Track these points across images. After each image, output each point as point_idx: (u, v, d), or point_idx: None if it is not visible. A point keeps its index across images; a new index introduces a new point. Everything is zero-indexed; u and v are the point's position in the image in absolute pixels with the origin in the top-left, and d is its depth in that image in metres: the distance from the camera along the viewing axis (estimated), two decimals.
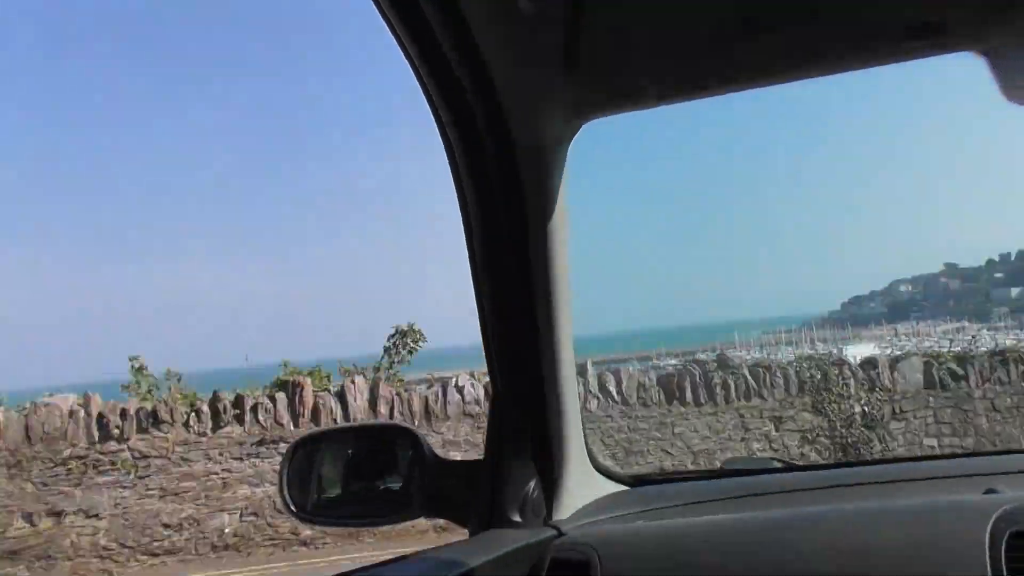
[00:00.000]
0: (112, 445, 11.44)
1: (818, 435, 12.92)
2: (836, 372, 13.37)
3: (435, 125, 1.35)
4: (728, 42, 1.21)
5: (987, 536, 1.17)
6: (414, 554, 1.31)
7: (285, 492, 1.53)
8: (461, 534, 1.49)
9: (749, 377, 13.61)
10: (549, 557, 1.37)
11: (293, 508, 1.54)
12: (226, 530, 11.58)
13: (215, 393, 12.09)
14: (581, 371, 12.95)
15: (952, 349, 14.94)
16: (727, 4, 1.14)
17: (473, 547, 1.34)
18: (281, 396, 12.05)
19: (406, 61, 1.27)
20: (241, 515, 11.68)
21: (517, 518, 1.44)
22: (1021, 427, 12.97)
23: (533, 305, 1.44)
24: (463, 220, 1.41)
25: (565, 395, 1.51)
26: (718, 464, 1.90)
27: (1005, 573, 1.14)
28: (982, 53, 1.27)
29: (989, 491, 1.38)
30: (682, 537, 1.39)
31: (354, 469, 1.61)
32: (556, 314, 1.48)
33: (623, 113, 1.40)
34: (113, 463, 11.36)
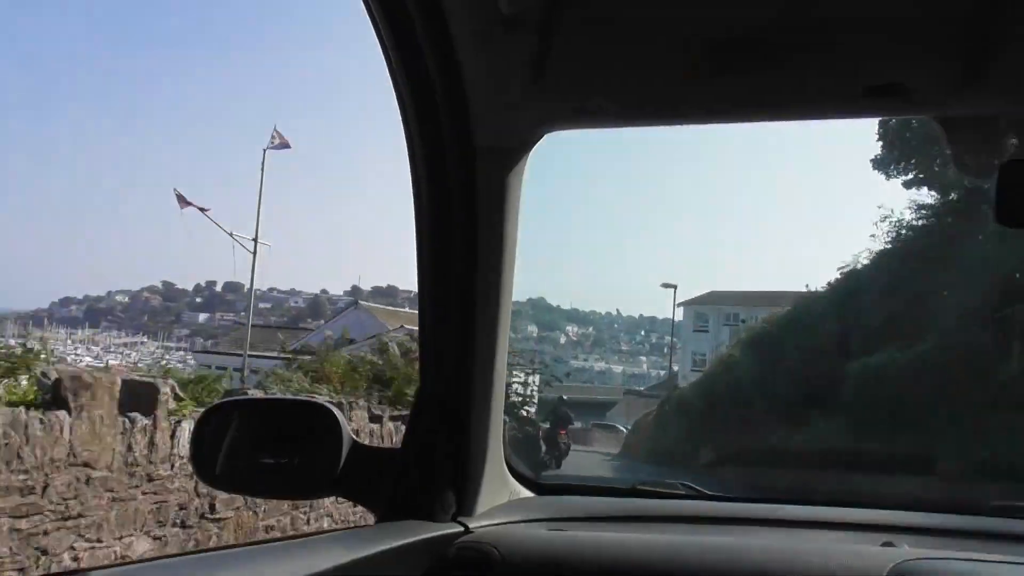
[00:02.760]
0: None
1: None
2: None
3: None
4: (694, 78, 1.23)
5: None
6: (316, 533, 1.29)
7: (195, 456, 1.51)
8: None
9: None
10: (452, 553, 1.37)
11: (201, 472, 1.52)
12: None
13: None
14: None
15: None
16: (698, 43, 1.16)
17: (378, 533, 1.34)
18: None
19: (380, 50, 1.27)
20: None
21: (426, 510, 1.44)
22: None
23: (474, 306, 1.44)
24: (415, 216, 1.41)
25: (492, 399, 1.52)
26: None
27: None
28: (939, 121, 1.31)
29: (887, 544, 1.42)
30: (585, 550, 1.40)
31: (269, 441, 1.58)
32: (496, 318, 1.48)
33: (584, 129, 1.41)
34: None
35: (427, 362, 1.48)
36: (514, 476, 1.69)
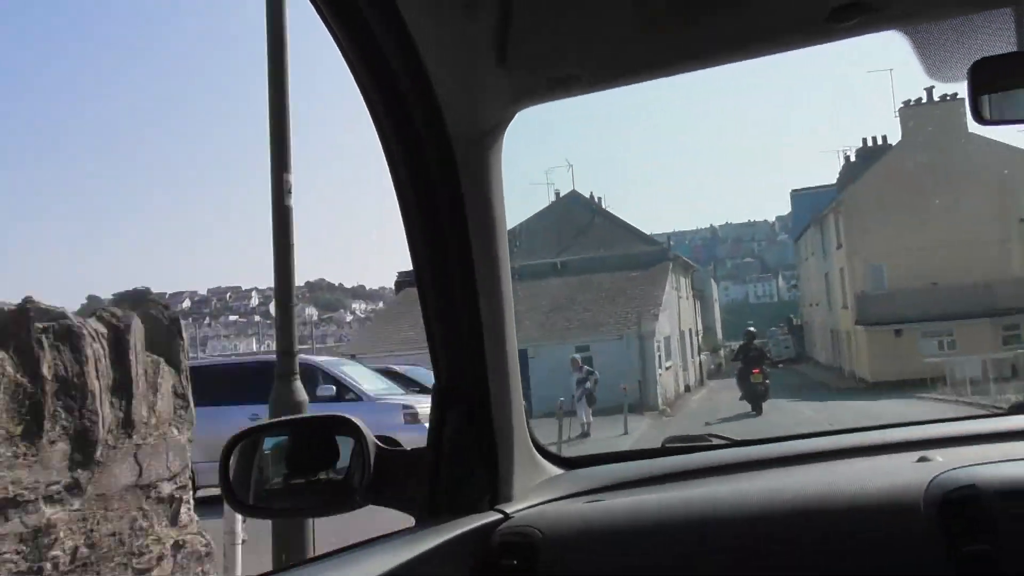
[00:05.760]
0: None
1: None
2: None
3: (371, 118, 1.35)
4: (656, 29, 1.22)
5: (921, 502, 1.22)
6: (360, 543, 1.30)
7: (225, 485, 1.51)
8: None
9: None
10: (496, 541, 1.37)
11: (234, 501, 1.52)
12: None
13: None
14: None
15: None
16: None
17: (420, 534, 1.34)
18: None
19: (339, 53, 1.26)
20: None
21: (463, 504, 1.45)
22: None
23: (476, 293, 1.44)
24: (402, 214, 1.41)
25: (509, 381, 1.52)
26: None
27: (940, 536, 1.18)
28: (906, 33, 1.30)
29: (922, 459, 1.43)
30: (624, 516, 1.41)
31: (296, 461, 1.59)
32: (499, 301, 1.48)
33: (557, 100, 1.41)
34: None
35: (438, 357, 1.48)
36: (542, 455, 1.69)
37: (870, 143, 39.95)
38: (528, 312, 28.60)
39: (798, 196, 52.77)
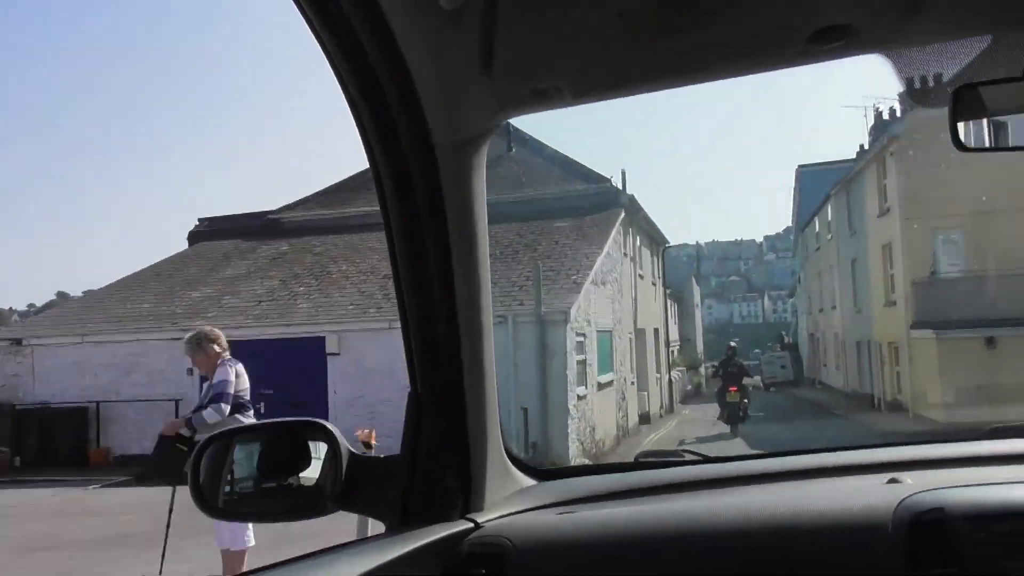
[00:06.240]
0: None
1: None
2: None
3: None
4: (641, 43, 1.23)
5: (890, 523, 1.23)
6: (329, 549, 1.29)
7: (195, 487, 1.50)
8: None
9: None
10: (465, 550, 1.37)
11: (203, 503, 1.51)
12: None
13: None
14: None
15: None
16: (639, 7, 1.16)
17: (390, 541, 1.34)
18: None
19: (326, 59, 1.26)
20: None
21: (434, 512, 1.44)
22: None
23: (455, 302, 1.44)
24: (384, 220, 1.41)
25: (485, 392, 1.52)
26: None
27: (907, 559, 1.19)
28: (888, 56, 1.31)
29: (892, 480, 1.44)
30: (595, 529, 1.41)
31: (268, 465, 1.58)
32: (478, 311, 1.48)
33: (538, 112, 1.41)
34: None
35: (414, 364, 1.48)
36: (516, 466, 1.69)
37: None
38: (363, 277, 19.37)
39: (807, 173, 39.81)
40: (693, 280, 48.19)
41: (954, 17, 1.19)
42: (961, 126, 1.31)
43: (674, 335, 38.23)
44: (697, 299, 48.99)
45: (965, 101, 1.30)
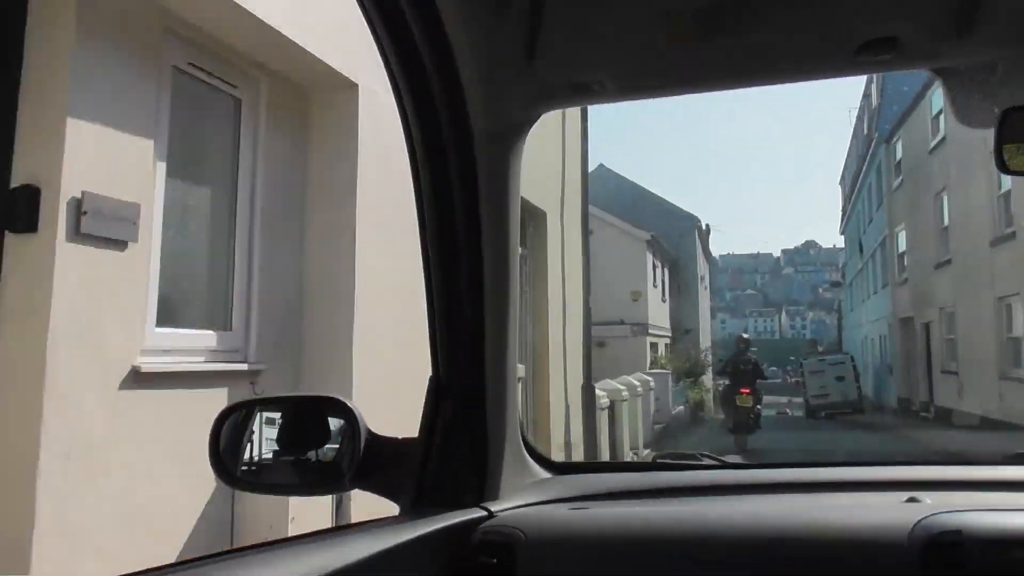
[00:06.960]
0: None
1: None
2: None
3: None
4: (686, 45, 1.22)
5: (906, 542, 1.22)
6: (343, 527, 1.30)
7: (215, 455, 1.51)
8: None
9: None
10: (477, 538, 1.38)
11: (222, 472, 1.52)
12: None
13: None
14: None
15: None
16: (688, 8, 1.15)
17: (403, 524, 1.34)
18: None
19: (376, 45, 1.27)
20: None
21: (449, 498, 1.45)
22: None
23: (482, 290, 1.45)
24: (417, 209, 1.42)
25: (506, 382, 1.53)
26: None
27: None
28: (936, 72, 1.29)
29: (911, 499, 1.42)
30: (609, 526, 1.41)
31: (287, 438, 1.59)
32: (505, 302, 1.49)
33: (579, 105, 1.41)
34: None
35: (438, 349, 1.49)
36: (532, 458, 1.69)
37: None
38: None
39: (888, 77, 26.04)
40: (698, 246, 33.25)
41: (1004, 37, 1.17)
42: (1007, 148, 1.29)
43: (662, 321, 27.13)
44: (703, 272, 34.28)
45: (1012, 123, 1.28)
